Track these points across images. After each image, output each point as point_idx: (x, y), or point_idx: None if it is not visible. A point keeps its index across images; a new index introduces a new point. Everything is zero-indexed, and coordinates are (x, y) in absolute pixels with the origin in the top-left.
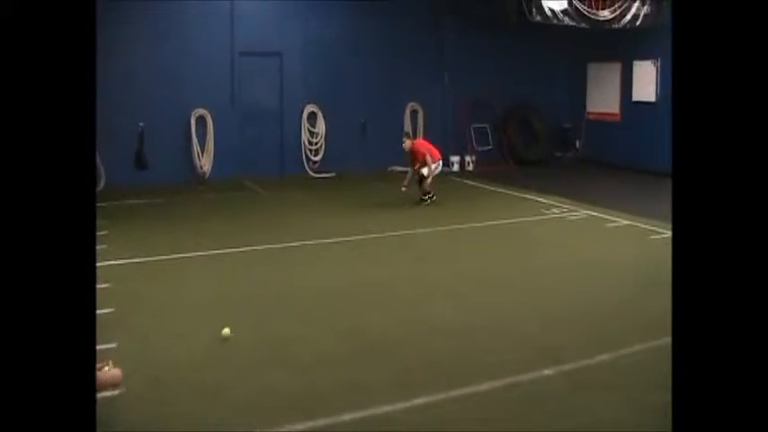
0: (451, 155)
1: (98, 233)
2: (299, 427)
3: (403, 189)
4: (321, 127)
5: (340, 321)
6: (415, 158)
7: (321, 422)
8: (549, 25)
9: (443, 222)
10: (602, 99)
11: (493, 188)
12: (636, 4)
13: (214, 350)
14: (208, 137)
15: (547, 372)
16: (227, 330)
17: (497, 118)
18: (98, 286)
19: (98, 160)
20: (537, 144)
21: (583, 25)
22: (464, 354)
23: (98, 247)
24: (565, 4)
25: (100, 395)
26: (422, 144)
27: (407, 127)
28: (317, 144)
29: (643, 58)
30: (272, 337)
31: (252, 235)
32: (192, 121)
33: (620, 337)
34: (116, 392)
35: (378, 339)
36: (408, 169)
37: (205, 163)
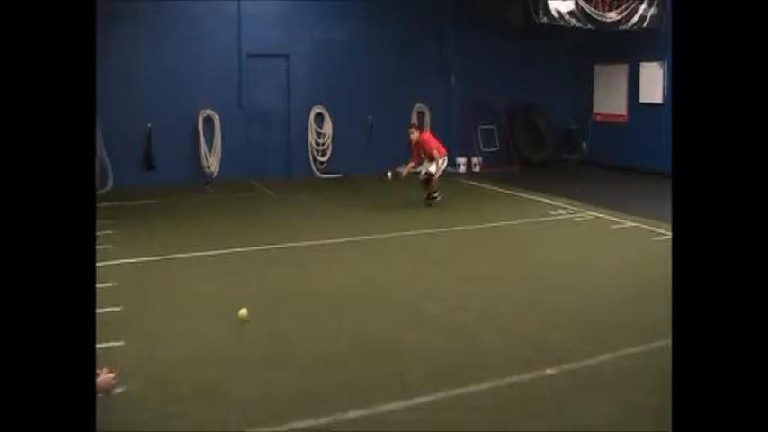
0: (458, 156)
1: (106, 232)
2: (301, 424)
3: (389, 175)
4: (328, 128)
5: (342, 321)
6: (423, 151)
7: (323, 420)
8: (556, 27)
9: (449, 223)
10: (609, 100)
11: (499, 189)
12: (643, 6)
13: (218, 349)
14: (215, 138)
15: (549, 371)
16: (243, 311)
17: (504, 119)
18: (106, 285)
19: (107, 161)
20: (543, 145)
21: (590, 26)
22: (466, 353)
23: (106, 247)
24: (571, 6)
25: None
26: (429, 138)
27: (414, 120)
28: (323, 145)
29: (650, 59)
30: (275, 336)
31: (258, 235)
32: (200, 122)
33: (623, 337)
34: (122, 390)
35: (379, 339)
36: (411, 164)
37: (212, 163)
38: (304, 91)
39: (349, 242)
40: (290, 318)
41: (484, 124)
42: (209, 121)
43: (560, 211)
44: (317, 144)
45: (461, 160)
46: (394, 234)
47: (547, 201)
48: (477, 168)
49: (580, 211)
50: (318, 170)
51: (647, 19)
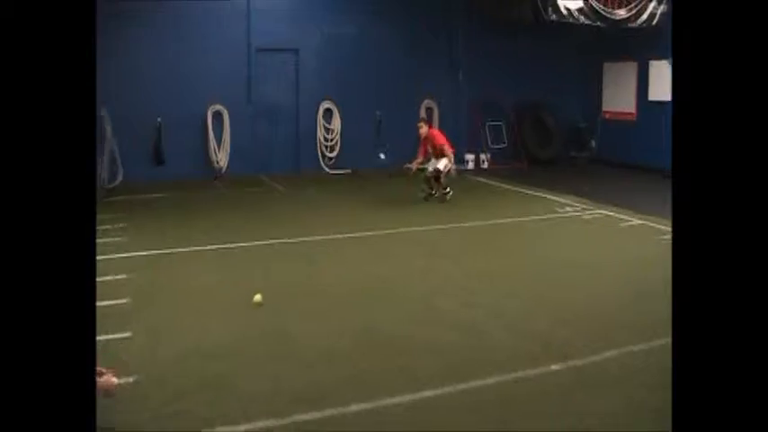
0: (466, 153)
1: (116, 226)
2: (306, 417)
3: (382, 156)
4: (336, 124)
5: (349, 316)
6: (431, 146)
7: (327, 413)
8: (565, 24)
9: (456, 219)
10: (618, 98)
11: (507, 186)
12: (652, 4)
13: (223, 342)
14: (224, 132)
15: (554, 367)
16: (258, 296)
17: (512, 116)
18: (115, 277)
19: (116, 154)
20: (552, 143)
21: (599, 24)
22: (472, 349)
23: (116, 239)
24: (581, 3)
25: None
26: (438, 133)
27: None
28: (332, 140)
29: (659, 57)
30: (281, 331)
31: (266, 230)
32: (209, 117)
33: (629, 334)
34: (130, 380)
35: (385, 334)
36: (431, 163)
37: (221, 158)
38: (313, 86)
39: (357, 237)
40: (296, 312)
41: (492, 121)
42: (218, 116)
43: (568, 209)
44: (326, 139)
45: (470, 157)
46: (401, 230)
47: (555, 198)
48: (486, 165)
49: (588, 209)
50: (327, 165)
51: (657, 17)
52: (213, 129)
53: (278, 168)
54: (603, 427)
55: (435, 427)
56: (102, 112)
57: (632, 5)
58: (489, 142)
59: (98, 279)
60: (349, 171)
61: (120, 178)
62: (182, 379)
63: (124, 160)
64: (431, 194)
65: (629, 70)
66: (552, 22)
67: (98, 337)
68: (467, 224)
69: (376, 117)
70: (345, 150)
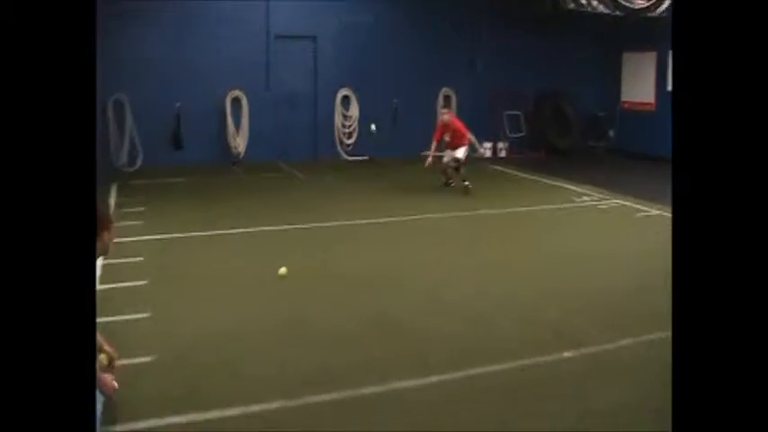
0: (484, 141)
1: (135, 210)
2: (317, 398)
3: (373, 128)
4: (354, 111)
5: (362, 301)
6: (451, 134)
7: (338, 395)
8: (584, 13)
9: (472, 208)
10: (637, 88)
11: (524, 175)
12: None
13: (238, 324)
14: (242, 118)
15: (567, 354)
16: (283, 270)
17: (530, 105)
18: (134, 259)
19: (136, 139)
20: (570, 132)
21: (617, 13)
22: (483, 336)
23: (134, 223)
24: None
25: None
26: (461, 123)
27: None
28: (350, 127)
29: None
30: (294, 315)
31: (282, 216)
32: (228, 103)
33: (642, 324)
34: (147, 359)
35: (397, 320)
36: (447, 153)
37: (239, 144)
38: (331, 73)
39: (372, 224)
40: (310, 297)
41: (510, 110)
42: (236, 102)
43: (585, 198)
44: (344, 126)
45: (487, 145)
46: (417, 217)
47: (572, 187)
48: (503, 153)
49: (605, 199)
50: (345, 152)
51: None
52: (232, 115)
53: (296, 155)
54: (613, 415)
55: (445, 409)
56: (122, 97)
57: None
58: (507, 131)
59: (117, 261)
60: (366, 158)
61: (139, 163)
62: (197, 359)
63: (143, 145)
64: (448, 183)
65: (649, 60)
66: (570, 11)
67: (117, 317)
68: (482, 212)
69: (393, 104)
70: (363, 137)
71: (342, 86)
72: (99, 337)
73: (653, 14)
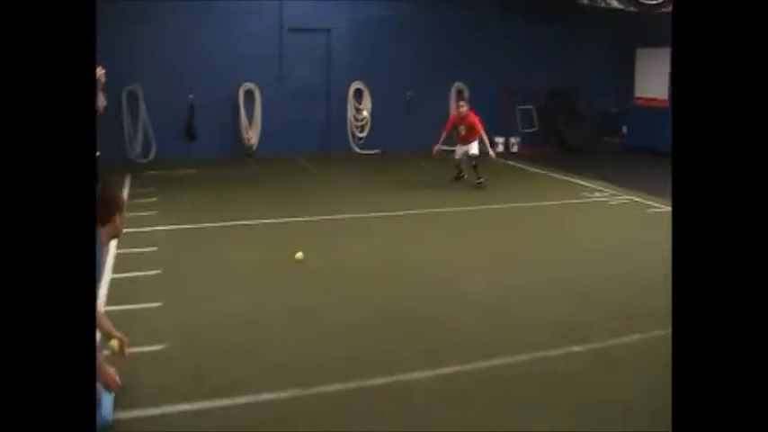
0: (496, 136)
1: (148, 200)
2: (330, 388)
3: (364, 113)
4: (367, 104)
5: (373, 293)
6: (466, 128)
7: (351, 385)
8: (598, 8)
9: (484, 202)
10: (651, 85)
11: (536, 170)
12: None
13: (250, 314)
14: (256, 111)
15: (575, 348)
16: (300, 254)
17: (543, 100)
18: (147, 249)
19: (150, 130)
20: (582, 128)
21: (631, 9)
22: (494, 328)
23: (148, 213)
24: None
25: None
26: (476, 118)
27: (453, 106)
28: (362, 121)
29: None
30: (306, 305)
31: (294, 208)
32: (241, 95)
33: (652, 319)
34: (159, 347)
35: (409, 311)
36: (458, 148)
37: (252, 136)
38: (344, 66)
39: (384, 217)
40: (322, 288)
41: (523, 104)
42: (249, 94)
43: (597, 194)
44: (356, 119)
45: (499, 140)
46: (429, 210)
47: (584, 183)
48: (515, 148)
49: (617, 195)
50: (357, 145)
51: None
52: (245, 107)
53: (308, 147)
54: (620, 409)
55: (455, 400)
56: (136, 88)
57: None
58: (520, 126)
59: (131, 250)
60: (379, 151)
61: (153, 154)
62: (209, 348)
63: (157, 136)
64: (459, 177)
65: (663, 57)
66: (584, 6)
67: (131, 306)
68: (494, 206)
69: (406, 98)
70: (375, 131)
71: (355, 80)
72: (108, 325)
73: (667, 10)
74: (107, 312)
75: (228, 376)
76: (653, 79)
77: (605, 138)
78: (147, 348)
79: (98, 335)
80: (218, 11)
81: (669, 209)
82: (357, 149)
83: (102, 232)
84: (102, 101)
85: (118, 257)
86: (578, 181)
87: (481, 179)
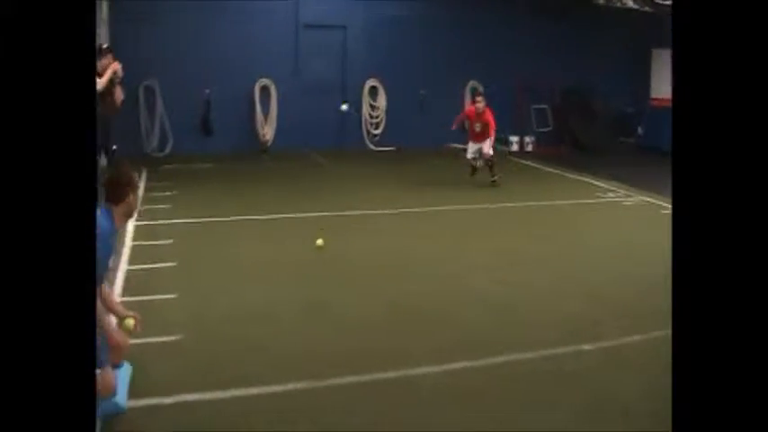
0: (511, 135)
1: (164, 194)
2: (341, 381)
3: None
4: (382, 101)
5: (383, 289)
6: (481, 124)
7: (361, 378)
8: (613, 8)
9: (497, 200)
10: (667, 85)
11: (550, 169)
12: None
13: (263, 307)
14: (271, 106)
15: (585, 347)
16: (320, 241)
17: (558, 100)
18: (162, 242)
19: (166, 125)
20: (597, 128)
21: (647, 9)
22: (503, 326)
23: (164, 207)
24: None
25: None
26: (492, 116)
27: (467, 104)
28: (377, 118)
29: None
30: (317, 299)
31: (308, 203)
32: (256, 91)
33: (661, 319)
34: (174, 338)
35: (418, 307)
36: (471, 146)
37: (267, 132)
38: (359, 63)
39: (397, 213)
40: (333, 283)
41: (537, 104)
42: (265, 90)
43: (610, 194)
44: (371, 116)
45: (514, 139)
46: (442, 208)
47: (597, 183)
48: (530, 147)
49: (630, 195)
50: (371, 142)
51: None
52: (260, 103)
53: (323, 144)
54: (628, 409)
55: (464, 395)
56: (153, 83)
57: None
58: (534, 125)
59: (147, 243)
60: (393, 148)
61: (169, 148)
62: (222, 340)
63: (173, 131)
64: (475, 171)
65: None
66: (600, 6)
67: (146, 297)
68: (507, 205)
69: (420, 96)
70: (390, 128)
71: (370, 77)
72: (120, 307)
73: None
74: (124, 303)
75: (241, 368)
76: (669, 80)
77: (620, 138)
78: (161, 339)
79: (113, 319)
80: (234, 7)
81: None
82: (371, 146)
83: (115, 211)
84: (119, 95)
85: (134, 249)
86: (592, 181)
87: (495, 177)
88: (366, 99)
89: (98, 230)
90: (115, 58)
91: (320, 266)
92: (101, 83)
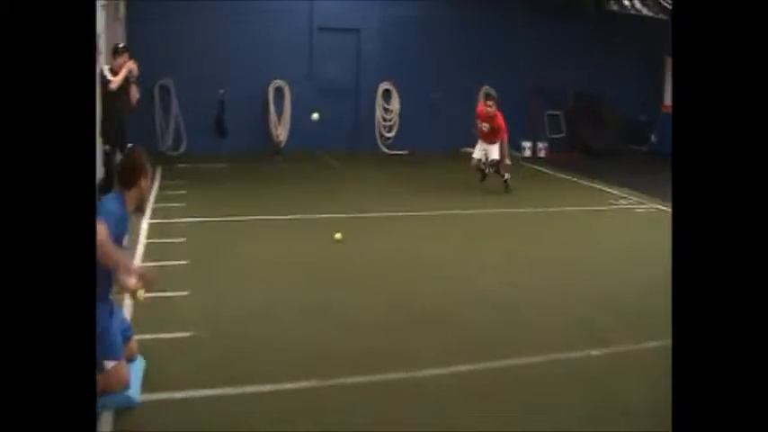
0: (523, 140)
1: (178, 192)
2: (348, 380)
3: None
4: (395, 105)
5: (391, 291)
6: (492, 127)
7: (368, 378)
8: (627, 15)
9: (508, 205)
10: None
11: (562, 176)
12: None
13: (273, 306)
14: (285, 108)
15: (594, 352)
16: (338, 235)
17: (571, 106)
18: (175, 240)
19: (181, 124)
20: (610, 135)
21: (661, 17)
22: (512, 329)
23: (178, 205)
24: None
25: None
26: (503, 120)
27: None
28: (390, 121)
29: None
30: (325, 299)
31: (320, 205)
32: (270, 92)
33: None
34: (185, 335)
35: (427, 309)
36: (478, 145)
37: (281, 133)
38: (373, 66)
39: (408, 216)
40: (342, 284)
41: (550, 110)
42: (279, 91)
43: (622, 201)
44: (384, 120)
45: (527, 144)
46: (453, 211)
47: (610, 190)
48: (542, 153)
49: (643, 203)
50: (385, 146)
51: None
52: (274, 104)
53: (336, 146)
54: (636, 414)
55: (471, 398)
56: (168, 82)
57: None
58: (547, 131)
59: (160, 240)
60: (406, 152)
61: (183, 147)
62: (233, 337)
63: (188, 131)
64: (484, 176)
65: None
66: (614, 12)
67: (159, 294)
68: (518, 210)
69: (434, 101)
70: (403, 132)
71: (383, 80)
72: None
73: None
74: None
75: (251, 365)
76: None
77: (633, 145)
78: (174, 335)
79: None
80: (249, 8)
81: None
82: (384, 149)
83: (127, 195)
84: (135, 94)
85: (148, 246)
86: (604, 188)
87: (506, 177)
88: (379, 102)
89: (109, 212)
90: (131, 58)
91: (330, 267)
92: (116, 81)
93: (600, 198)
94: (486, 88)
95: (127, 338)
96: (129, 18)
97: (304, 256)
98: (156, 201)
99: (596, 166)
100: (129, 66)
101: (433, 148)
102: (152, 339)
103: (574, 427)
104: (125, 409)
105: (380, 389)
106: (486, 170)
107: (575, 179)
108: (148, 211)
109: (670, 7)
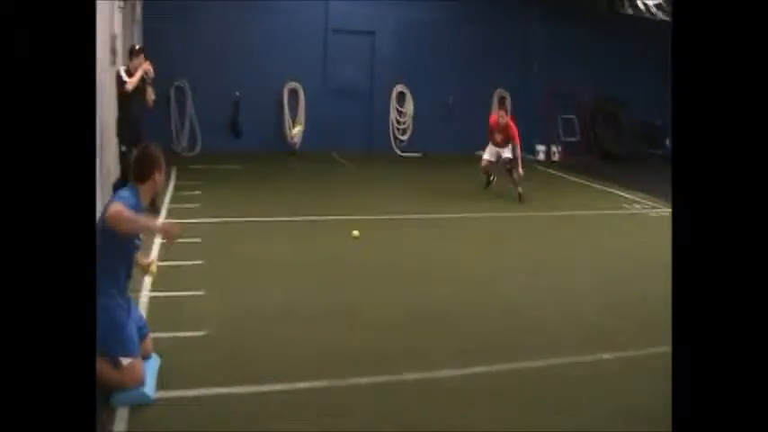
0: (538, 144)
1: (193, 193)
2: (362, 380)
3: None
4: (409, 107)
5: (407, 292)
6: (505, 135)
7: (383, 378)
8: (642, 19)
9: (522, 209)
10: None
11: (576, 179)
12: None
13: (285, 306)
14: (299, 109)
15: (605, 356)
16: (356, 232)
17: (586, 110)
18: (190, 240)
19: (196, 125)
20: (625, 139)
21: None
22: (525, 331)
23: (192, 206)
24: None
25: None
26: (515, 128)
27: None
28: (404, 124)
29: None
30: (339, 300)
31: (334, 206)
32: (285, 94)
33: None
34: (199, 333)
35: (441, 311)
36: (488, 149)
37: (295, 134)
38: (387, 69)
39: (422, 219)
40: (357, 285)
41: (565, 113)
42: (293, 93)
43: (636, 206)
44: (398, 122)
45: (541, 148)
46: (466, 215)
47: (624, 194)
48: (557, 157)
49: (657, 207)
50: (398, 148)
51: None
52: (289, 105)
53: (350, 148)
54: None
55: (485, 399)
56: (184, 84)
57: None
58: (562, 135)
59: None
60: (420, 155)
61: (198, 148)
62: (247, 336)
63: (203, 131)
64: (490, 182)
65: None
66: (630, 16)
67: (175, 293)
68: (532, 214)
69: (448, 103)
70: (417, 134)
71: (398, 82)
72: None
73: None
74: (153, 298)
75: (265, 364)
76: None
77: (648, 150)
78: (189, 333)
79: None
80: (264, 10)
81: None
82: (398, 152)
83: (141, 189)
84: (150, 94)
85: (163, 246)
86: (619, 192)
87: (520, 190)
88: (393, 104)
89: (123, 199)
90: (146, 59)
91: (344, 268)
92: (131, 82)
93: (614, 202)
94: (500, 91)
95: (143, 336)
96: (145, 19)
97: (318, 256)
98: (171, 201)
99: (610, 169)
100: (145, 67)
101: (447, 152)
102: (167, 338)
103: (587, 428)
104: (139, 406)
105: (395, 389)
106: (493, 178)
107: (589, 183)
108: (163, 211)
109: None
